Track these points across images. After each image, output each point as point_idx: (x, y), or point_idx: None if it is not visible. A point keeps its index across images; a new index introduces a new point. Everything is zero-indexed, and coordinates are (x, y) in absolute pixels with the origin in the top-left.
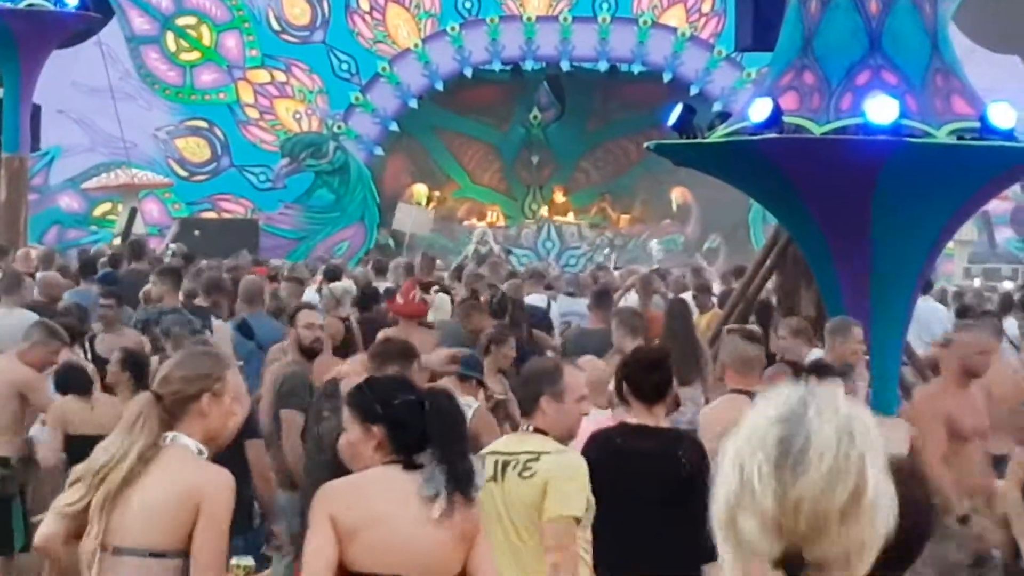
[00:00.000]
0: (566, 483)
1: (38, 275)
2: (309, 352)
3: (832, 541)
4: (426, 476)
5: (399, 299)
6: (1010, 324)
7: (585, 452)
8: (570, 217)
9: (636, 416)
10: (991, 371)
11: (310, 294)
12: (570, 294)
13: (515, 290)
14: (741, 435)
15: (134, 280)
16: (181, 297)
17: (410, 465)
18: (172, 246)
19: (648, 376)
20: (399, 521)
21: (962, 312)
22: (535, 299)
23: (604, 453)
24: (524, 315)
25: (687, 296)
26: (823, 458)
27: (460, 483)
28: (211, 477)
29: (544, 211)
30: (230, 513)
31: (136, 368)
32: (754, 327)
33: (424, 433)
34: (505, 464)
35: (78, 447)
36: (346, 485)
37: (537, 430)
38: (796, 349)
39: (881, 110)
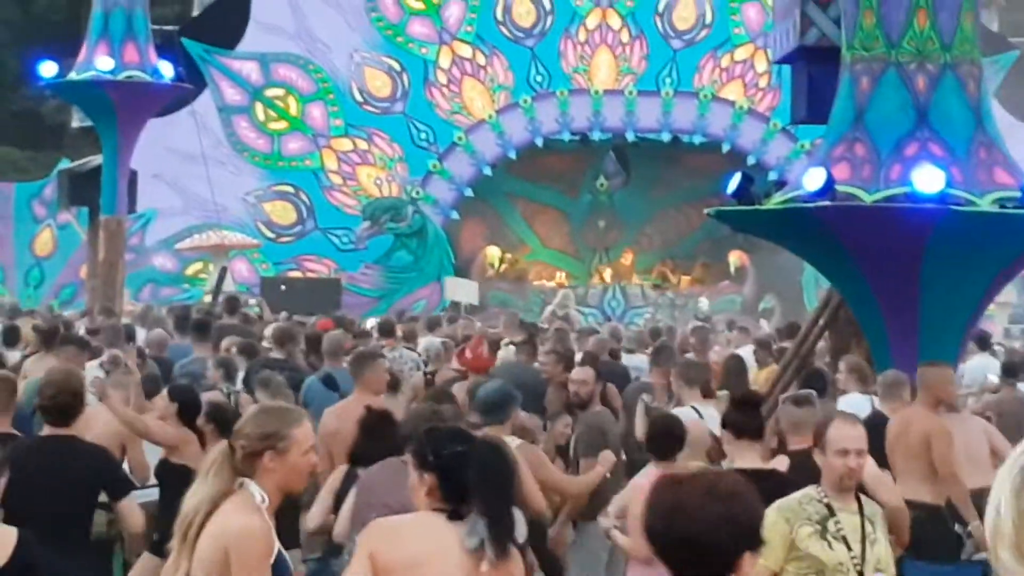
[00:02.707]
0: None
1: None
2: None
3: None
4: (468, 527)
5: (468, 353)
6: None
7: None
8: (634, 279)
9: (742, 459)
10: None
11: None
12: (630, 351)
13: (600, 347)
14: (1002, 469)
15: (226, 334)
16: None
17: (455, 515)
18: (252, 301)
19: (748, 415)
20: (437, 567)
21: (1009, 370)
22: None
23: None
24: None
25: (746, 351)
26: None
27: (500, 536)
28: (243, 524)
29: (608, 273)
30: (261, 562)
31: (221, 419)
32: (807, 391)
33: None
34: None
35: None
36: (390, 525)
37: None
38: (847, 385)
39: (928, 180)
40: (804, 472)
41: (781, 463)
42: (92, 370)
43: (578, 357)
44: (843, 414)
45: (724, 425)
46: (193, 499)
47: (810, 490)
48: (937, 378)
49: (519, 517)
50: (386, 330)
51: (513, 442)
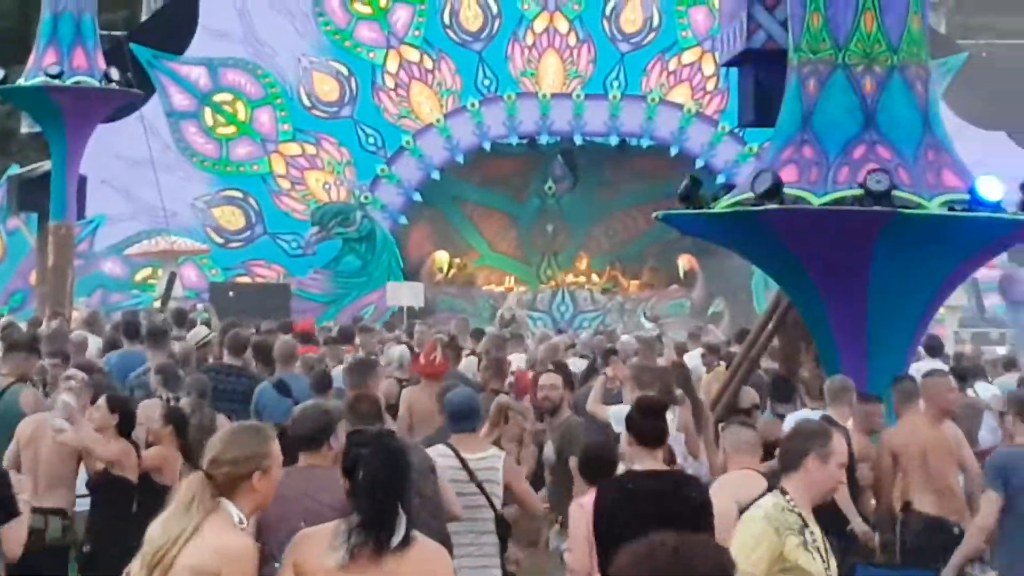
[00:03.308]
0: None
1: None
2: None
3: None
4: (342, 526)
5: (421, 359)
6: (983, 387)
7: (598, 499)
8: (592, 280)
9: (641, 462)
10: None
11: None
12: (583, 356)
13: (552, 352)
14: None
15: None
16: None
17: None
18: (200, 307)
19: (651, 423)
20: (321, 571)
21: (959, 375)
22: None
23: (618, 498)
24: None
25: (695, 355)
26: None
27: (367, 534)
28: (231, 545)
29: (567, 277)
30: None
31: (180, 423)
32: (746, 419)
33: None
34: None
35: None
36: (310, 533)
37: (781, 490)
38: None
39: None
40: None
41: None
42: (61, 394)
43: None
44: (837, 426)
45: (628, 429)
46: (171, 529)
47: (778, 499)
48: (937, 388)
49: (399, 519)
50: (346, 336)
51: (487, 452)
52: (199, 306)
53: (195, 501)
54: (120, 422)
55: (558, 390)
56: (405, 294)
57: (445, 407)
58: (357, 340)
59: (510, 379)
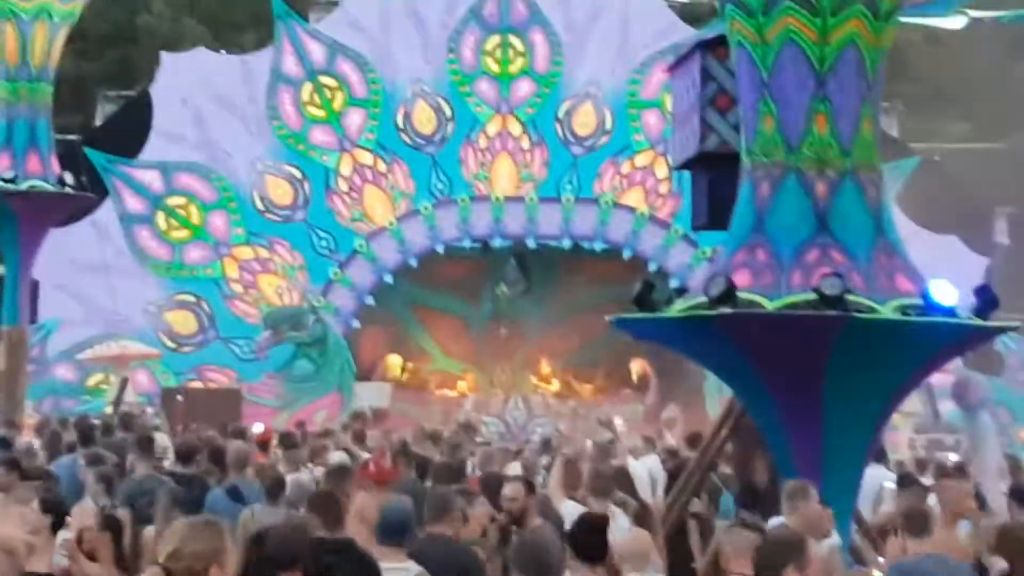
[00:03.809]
0: None
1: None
2: None
3: None
4: None
5: (371, 466)
6: None
7: None
8: (553, 384)
9: None
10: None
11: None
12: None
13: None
14: None
15: (119, 449)
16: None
17: None
18: (149, 411)
19: (594, 539)
20: None
21: (902, 481)
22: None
23: None
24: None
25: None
26: None
27: None
28: None
29: (513, 381)
30: None
31: (116, 530)
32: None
33: None
34: None
35: None
36: None
37: None
38: None
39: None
40: None
41: None
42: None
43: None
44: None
45: (569, 544)
46: None
47: None
48: (956, 494)
49: None
50: (288, 444)
51: (411, 570)
52: (148, 410)
53: None
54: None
55: (518, 501)
56: (372, 394)
57: (378, 518)
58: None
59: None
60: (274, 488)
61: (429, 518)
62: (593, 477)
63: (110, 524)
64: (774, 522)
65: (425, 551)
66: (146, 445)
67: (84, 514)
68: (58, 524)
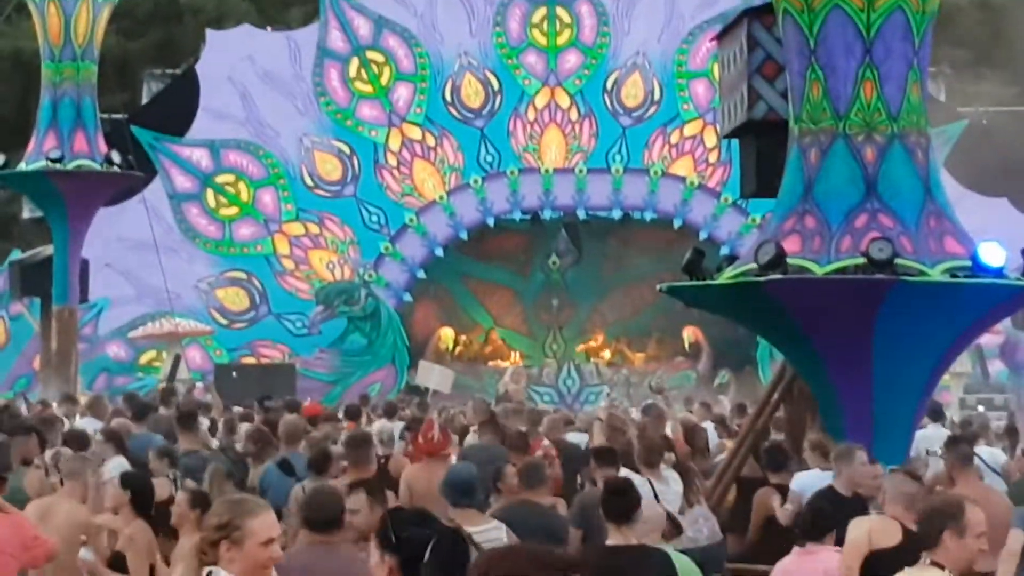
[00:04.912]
0: None
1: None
2: None
3: None
4: None
5: (420, 438)
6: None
7: None
8: (605, 355)
9: (612, 538)
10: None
11: None
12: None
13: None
14: None
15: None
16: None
17: None
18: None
19: (618, 501)
20: None
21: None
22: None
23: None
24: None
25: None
26: None
27: None
28: None
29: (565, 351)
30: None
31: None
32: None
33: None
34: None
35: None
36: None
37: (935, 563)
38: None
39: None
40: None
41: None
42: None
43: None
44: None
45: (600, 507)
46: None
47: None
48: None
49: None
50: (352, 414)
51: (488, 524)
52: (198, 386)
53: (183, 562)
54: (133, 499)
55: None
56: (435, 377)
57: (445, 482)
58: (364, 419)
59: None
60: (321, 461)
61: (525, 485)
62: (644, 446)
63: (199, 501)
64: (810, 475)
65: (514, 514)
66: (187, 421)
67: (160, 489)
68: (136, 500)
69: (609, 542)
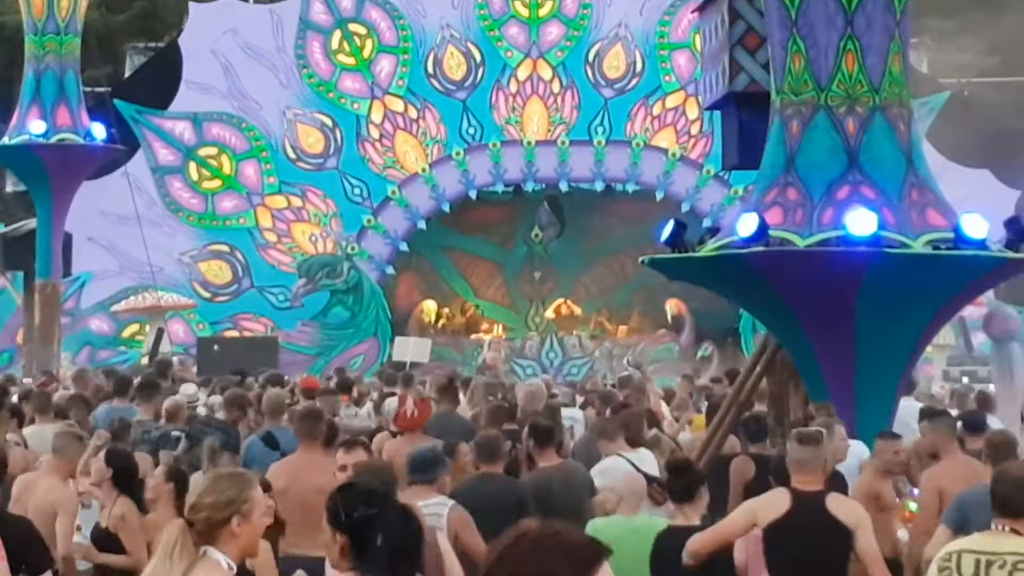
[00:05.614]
0: None
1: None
2: None
3: None
4: None
5: (402, 414)
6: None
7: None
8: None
9: (674, 519)
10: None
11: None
12: (564, 404)
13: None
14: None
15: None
16: (203, 411)
17: None
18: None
19: (678, 481)
20: None
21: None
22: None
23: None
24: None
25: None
26: None
27: None
28: None
29: (545, 319)
30: None
31: (180, 481)
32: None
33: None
34: (989, 564)
35: None
36: None
37: (1014, 531)
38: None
39: (861, 222)
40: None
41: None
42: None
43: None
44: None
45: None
46: None
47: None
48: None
49: None
50: (344, 386)
51: (445, 503)
52: (175, 359)
53: (177, 549)
54: (115, 475)
55: None
56: (411, 350)
57: (408, 458)
58: (355, 392)
59: None
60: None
61: (482, 459)
62: (626, 420)
63: (175, 476)
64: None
65: (476, 488)
66: (147, 391)
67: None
68: (118, 476)
69: (676, 523)
